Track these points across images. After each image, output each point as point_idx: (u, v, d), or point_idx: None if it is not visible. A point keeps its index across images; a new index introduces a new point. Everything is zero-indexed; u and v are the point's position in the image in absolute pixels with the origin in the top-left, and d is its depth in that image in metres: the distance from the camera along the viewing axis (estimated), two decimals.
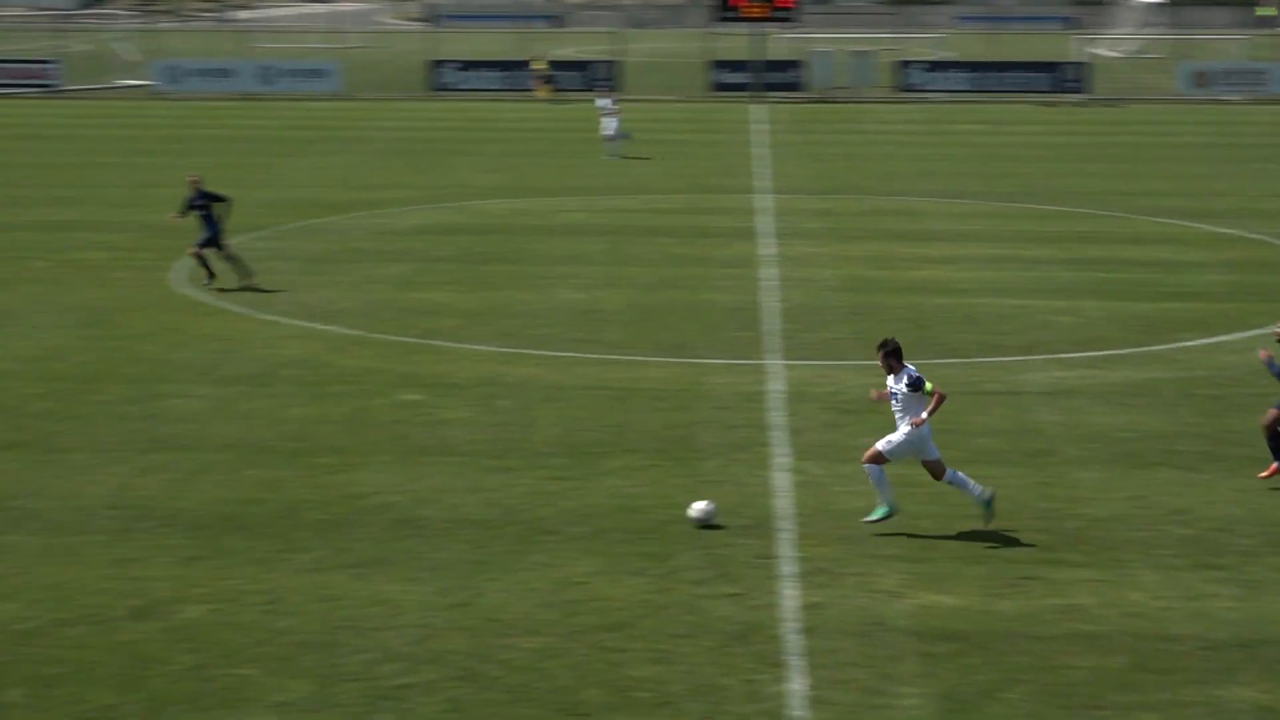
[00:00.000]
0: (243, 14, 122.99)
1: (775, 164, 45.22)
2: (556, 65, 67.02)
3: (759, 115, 58.34)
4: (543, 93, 64.97)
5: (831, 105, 62.70)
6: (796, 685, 13.10)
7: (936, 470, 16.35)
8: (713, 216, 36.26)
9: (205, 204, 27.91)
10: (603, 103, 47.65)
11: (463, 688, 13.03)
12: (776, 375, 22.65)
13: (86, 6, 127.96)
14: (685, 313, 26.59)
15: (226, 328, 25.26)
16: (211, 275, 28.05)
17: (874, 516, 16.42)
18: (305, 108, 61.95)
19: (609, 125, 46.76)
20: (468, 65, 68.67)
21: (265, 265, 30.23)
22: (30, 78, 68.31)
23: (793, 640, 13.91)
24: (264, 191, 39.55)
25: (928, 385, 16.12)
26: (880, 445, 16.34)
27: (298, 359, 23.40)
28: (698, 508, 16.61)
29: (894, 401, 16.26)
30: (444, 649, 13.70)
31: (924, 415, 16.05)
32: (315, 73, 68.22)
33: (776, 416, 20.59)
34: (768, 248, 32.49)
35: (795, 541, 16.18)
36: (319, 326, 25.40)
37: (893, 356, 16.28)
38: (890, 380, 16.26)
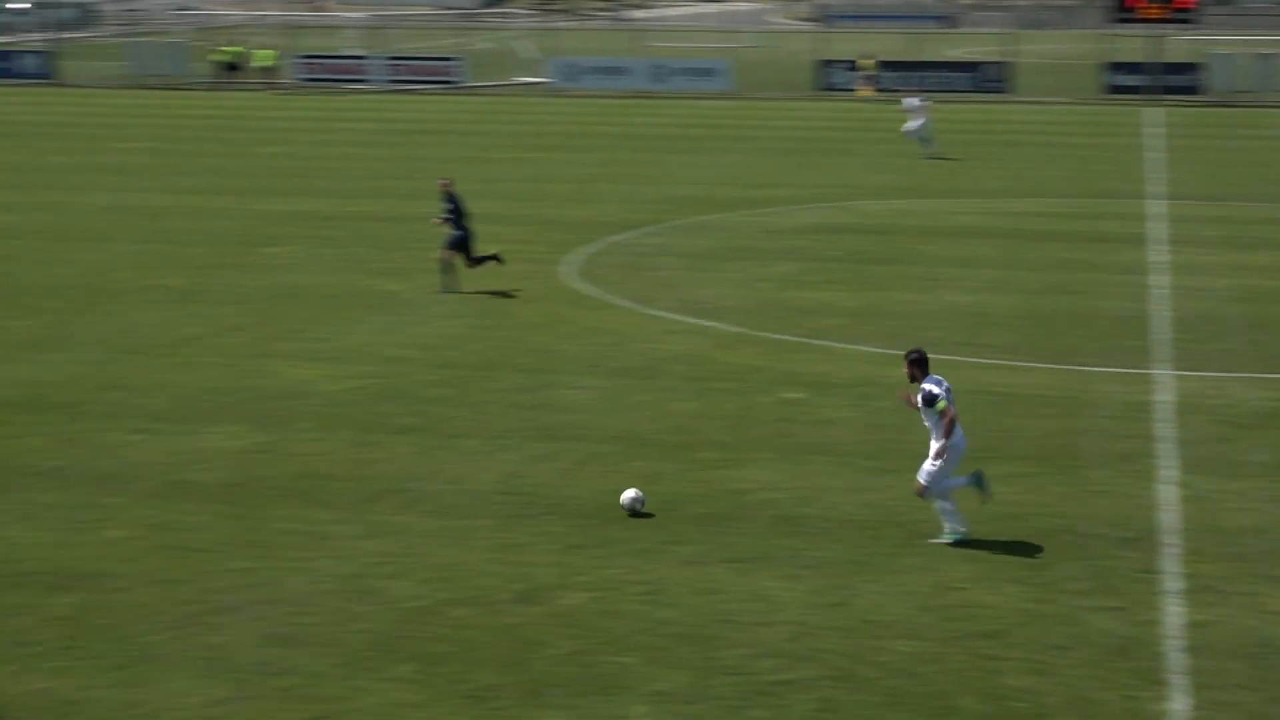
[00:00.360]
0: (637, 14, 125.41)
1: (1170, 169, 43.76)
2: (888, 66, 66.31)
3: (1154, 119, 56.53)
4: (866, 92, 64.57)
5: (1232, 110, 60.30)
6: (1178, 705, 12.69)
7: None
8: (1104, 222, 35.33)
9: (454, 208, 27.66)
10: (910, 102, 47.19)
11: (837, 688, 13.04)
12: (1165, 386, 21.94)
13: (489, 6, 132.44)
14: (1073, 319, 26.00)
15: (614, 321, 25.83)
16: (484, 260, 27.96)
17: (941, 540, 15.88)
18: (696, 106, 62.81)
19: (913, 124, 46.57)
20: (857, 65, 68.48)
21: (652, 261, 30.81)
22: (435, 74, 71.14)
23: (1176, 658, 13.47)
24: (653, 188, 40.30)
25: (939, 404, 15.40)
26: (922, 479, 15.66)
27: (683, 354, 23.77)
28: (627, 496, 16.70)
29: (923, 414, 15.63)
30: (820, 648, 13.74)
31: (937, 446, 15.44)
32: (706, 72, 69.09)
33: (1164, 428, 19.96)
34: (1159, 255, 31.48)
35: (1181, 557, 15.67)
36: (704, 323, 25.75)
37: (915, 366, 15.64)
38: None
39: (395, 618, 14.30)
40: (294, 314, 26.22)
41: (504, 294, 27.90)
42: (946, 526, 15.98)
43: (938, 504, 15.91)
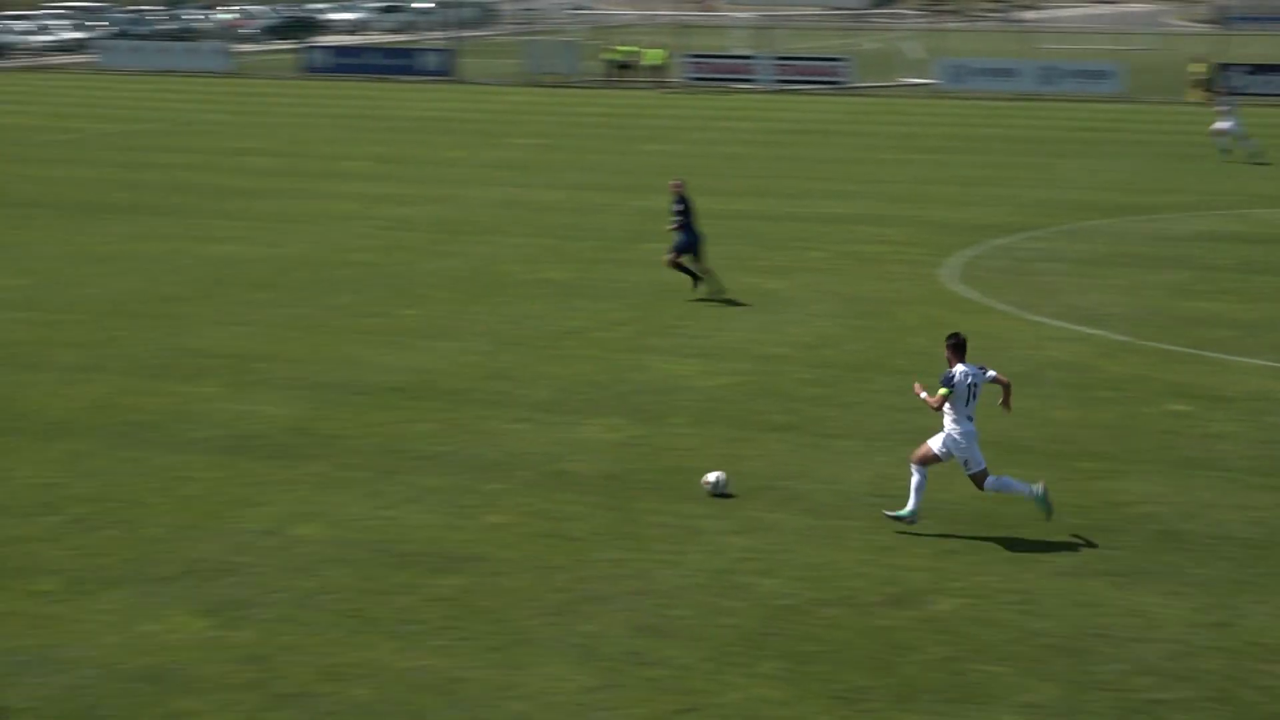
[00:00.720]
0: (1028, 15, 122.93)
1: None
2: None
3: None
4: (1198, 96, 61.66)
5: None
6: None
7: (978, 480, 16.08)
8: None
9: (684, 210, 26.94)
10: (1223, 104, 45.91)
11: (1217, 711, 12.50)
12: None
13: (877, 6, 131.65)
14: None
15: (994, 325, 25.37)
16: (697, 280, 27.27)
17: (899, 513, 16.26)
18: (1086, 109, 61.24)
19: (1223, 125, 45.26)
20: (1257, 69, 65.69)
21: (1035, 266, 30.15)
22: (822, 74, 71.22)
23: None
24: (1038, 191, 39.45)
25: (942, 389, 15.80)
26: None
27: (1064, 361, 23.18)
28: (709, 479, 17.20)
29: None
30: (1200, 668, 13.20)
31: (925, 396, 16.00)
32: (1097, 74, 67.32)
33: None
34: None
35: None
36: (1087, 330, 25.06)
37: (952, 350, 15.99)
38: None
39: (763, 614, 14.33)
40: (672, 310, 26.57)
41: (883, 295, 27.71)
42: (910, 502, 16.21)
43: (915, 479, 16.15)
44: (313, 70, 77.37)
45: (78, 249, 31.81)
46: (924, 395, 16.16)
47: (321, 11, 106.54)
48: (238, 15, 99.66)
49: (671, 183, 27.63)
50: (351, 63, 77.71)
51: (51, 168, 43.59)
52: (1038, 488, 16.21)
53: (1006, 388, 16.40)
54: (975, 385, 15.90)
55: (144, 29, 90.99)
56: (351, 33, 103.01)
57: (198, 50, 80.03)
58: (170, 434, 19.79)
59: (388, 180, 41.98)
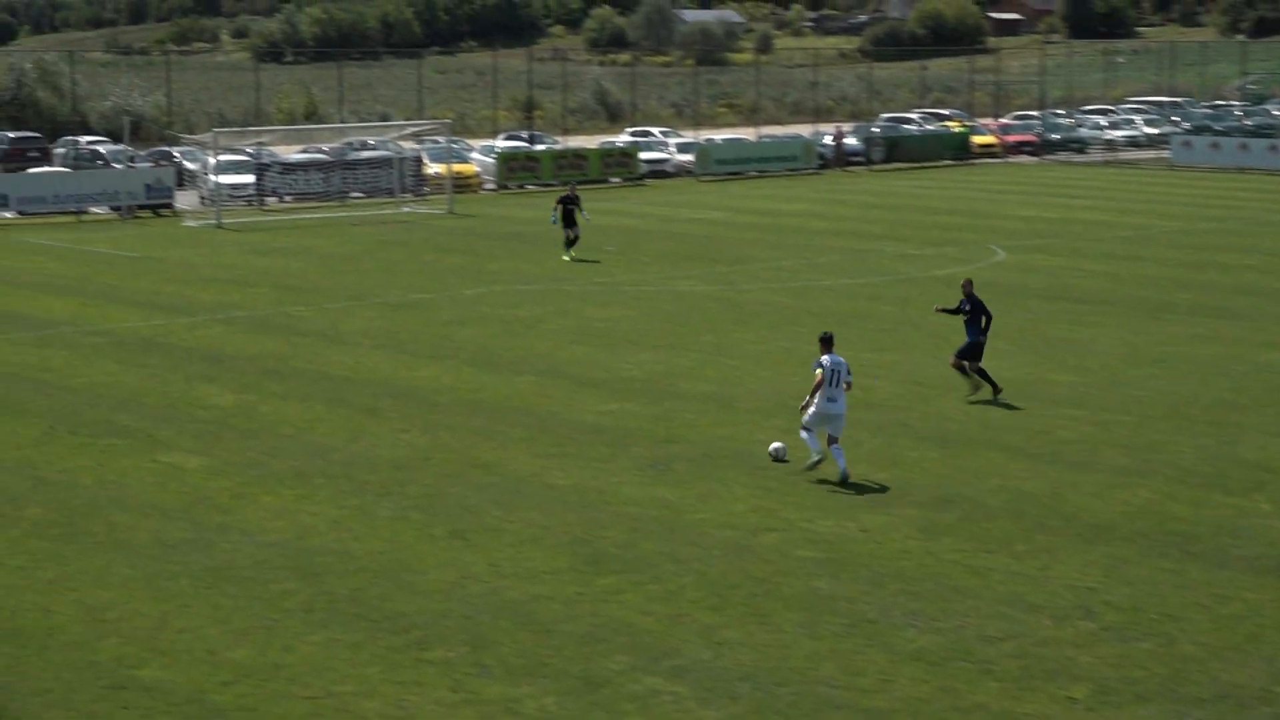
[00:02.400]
0: None
1: None
2: None
3: None
4: None
5: None
6: None
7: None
8: None
9: (972, 309, 27.52)
10: None
11: None
12: None
13: None
14: None
15: None
16: (976, 387, 27.62)
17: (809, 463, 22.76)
18: None
19: None
20: None
21: None
22: None
23: None
24: None
25: (816, 370, 22.63)
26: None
27: None
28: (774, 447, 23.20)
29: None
30: None
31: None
32: None
33: None
34: None
35: None
36: None
37: (822, 343, 22.87)
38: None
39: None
40: None
41: None
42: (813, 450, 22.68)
43: (802, 433, 22.73)
44: None
45: (1133, 348, 32.30)
46: (813, 384, 22.68)
47: None
48: None
49: (963, 283, 28.40)
50: None
51: (1116, 264, 44.58)
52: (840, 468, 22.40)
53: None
54: (837, 372, 22.55)
55: (1222, 124, 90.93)
56: None
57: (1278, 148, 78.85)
58: (1214, 547, 19.63)
59: None
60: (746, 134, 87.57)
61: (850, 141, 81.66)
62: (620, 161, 72.52)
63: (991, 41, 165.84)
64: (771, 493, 22.13)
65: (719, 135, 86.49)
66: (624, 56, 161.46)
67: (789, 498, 21.90)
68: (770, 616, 17.49)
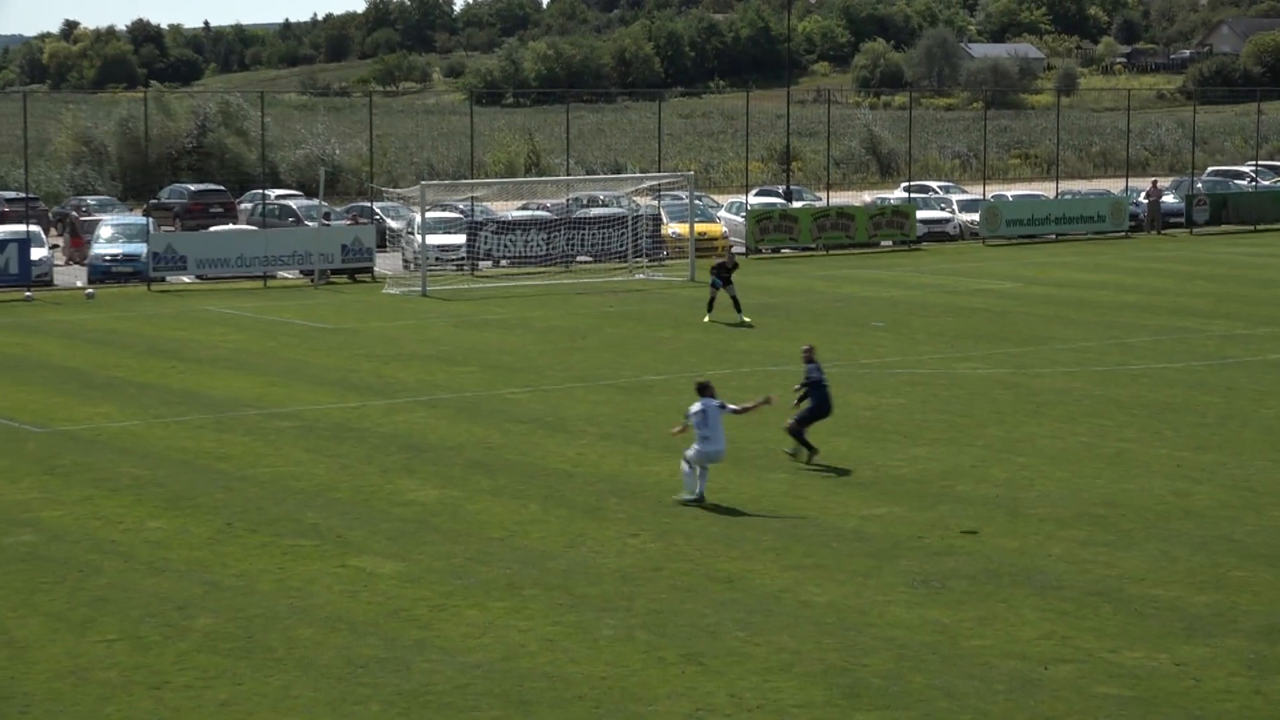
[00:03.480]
0: None
1: None
2: None
3: None
4: None
5: None
6: None
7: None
8: None
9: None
10: None
11: None
12: None
13: None
14: None
15: None
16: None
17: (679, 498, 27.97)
18: None
19: None
20: None
21: None
22: None
23: None
24: None
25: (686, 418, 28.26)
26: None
27: None
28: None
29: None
30: None
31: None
32: None
33: None
34: None
35: None
36: None
37: (699, 390, 28.41)
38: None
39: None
40: None
41: None
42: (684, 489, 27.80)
43: (683, 465, 28.00)
44: None
45: None
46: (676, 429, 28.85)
47: None
48: None
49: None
50: None
51: None
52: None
53: (749, 409, 28.74)
54: (707, 414, 27.71)
55: None
56: None
57: None
58: None
59: None
60: (1044, 190, 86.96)
61: (1169, 200, 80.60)
62: (893, 221, 72.54)
63: None
64: (1066, 616, 21.82)
65: (1011, 191, 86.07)
66: (899, 98, 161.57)
67: (1086, 623, 21.57)
68: None
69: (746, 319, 48.60)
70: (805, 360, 31.44)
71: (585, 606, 22.46)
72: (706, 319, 48.88)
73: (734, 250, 54.60)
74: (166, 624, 21.75)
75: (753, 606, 22.38)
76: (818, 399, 30.96)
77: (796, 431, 30.96)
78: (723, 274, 49.37)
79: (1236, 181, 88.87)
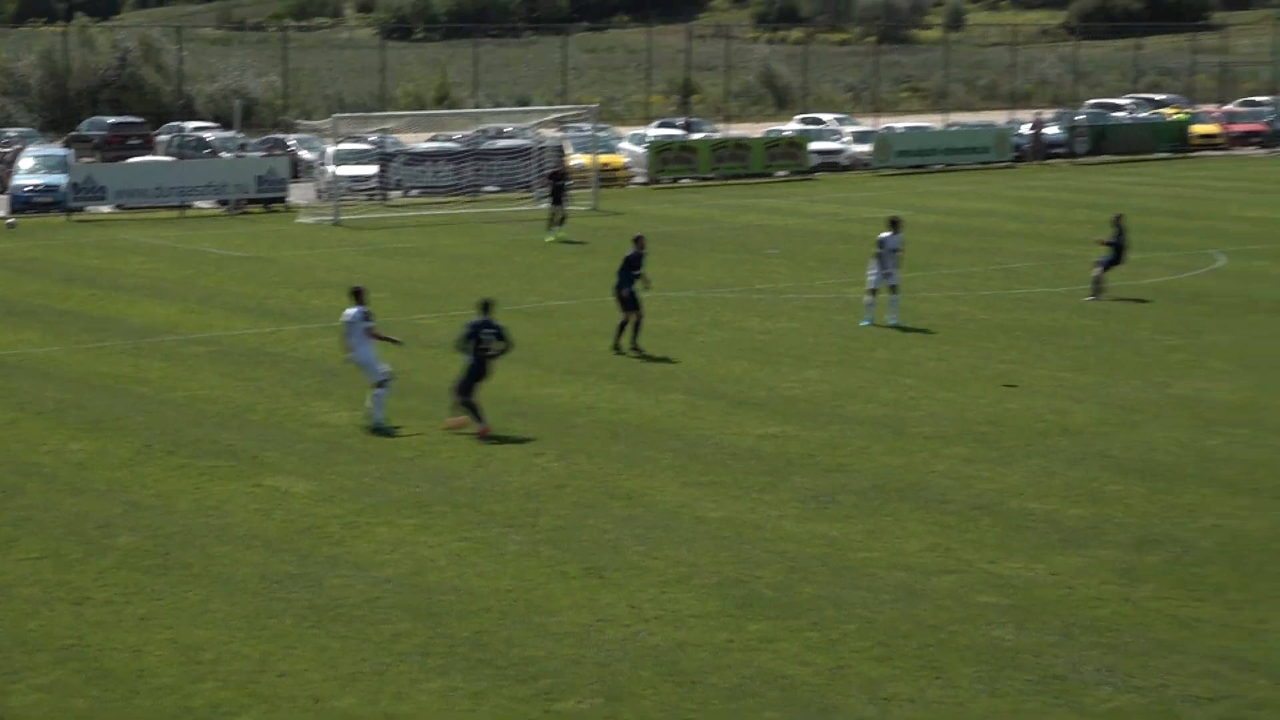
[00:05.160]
0: None
1: None
2: None
3: None
4: None
5: None
6: None
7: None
8: None
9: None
10: None
11: None
12: None
13: None
14: None
15: None
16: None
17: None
18: None
19: None
20: None
21: None
22: None
23: None
24: None
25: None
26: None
27: None
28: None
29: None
30: None
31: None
32: None
33: None
34: None
35: None
36: None
37: (351, 295, 27.87)
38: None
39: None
40: None
41: None
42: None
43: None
44: None
45: None
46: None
47: None
48: None
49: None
50: None
51: None
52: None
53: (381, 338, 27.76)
54: (354, 325, 27.29)
55: None
56: None
57: None
58: None
59: None
60: (932, 122, 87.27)
61: (1051, 131, 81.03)
62: (788, 152, 72.60)
63: (1218, 16, 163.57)
64: (949, 530, 22.06)
65: (901, 123, 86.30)
66: (795, 34, 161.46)
67: (968, 535, 21.83)
68: (944, 670, 17.44)
69: (550, 239, 50.55)
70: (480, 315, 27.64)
71: (491, 523, 22.53)
72: (551, 237, 50.80)
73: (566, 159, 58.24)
74: (87, 542, 21.68)
75: (652, 522, 22.50)
76: (476, 360, 27.32)
77: (465, 403, 27.23)
78: (558, 183, 51.58)
79: (1115, 114, 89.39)
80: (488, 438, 26.75)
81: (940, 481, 24.30)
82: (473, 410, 27.14)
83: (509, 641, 18.25)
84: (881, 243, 36.45)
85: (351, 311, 27.45)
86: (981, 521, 22.43)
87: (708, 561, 20.86)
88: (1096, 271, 39.94)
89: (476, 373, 27.19)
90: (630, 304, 33.71)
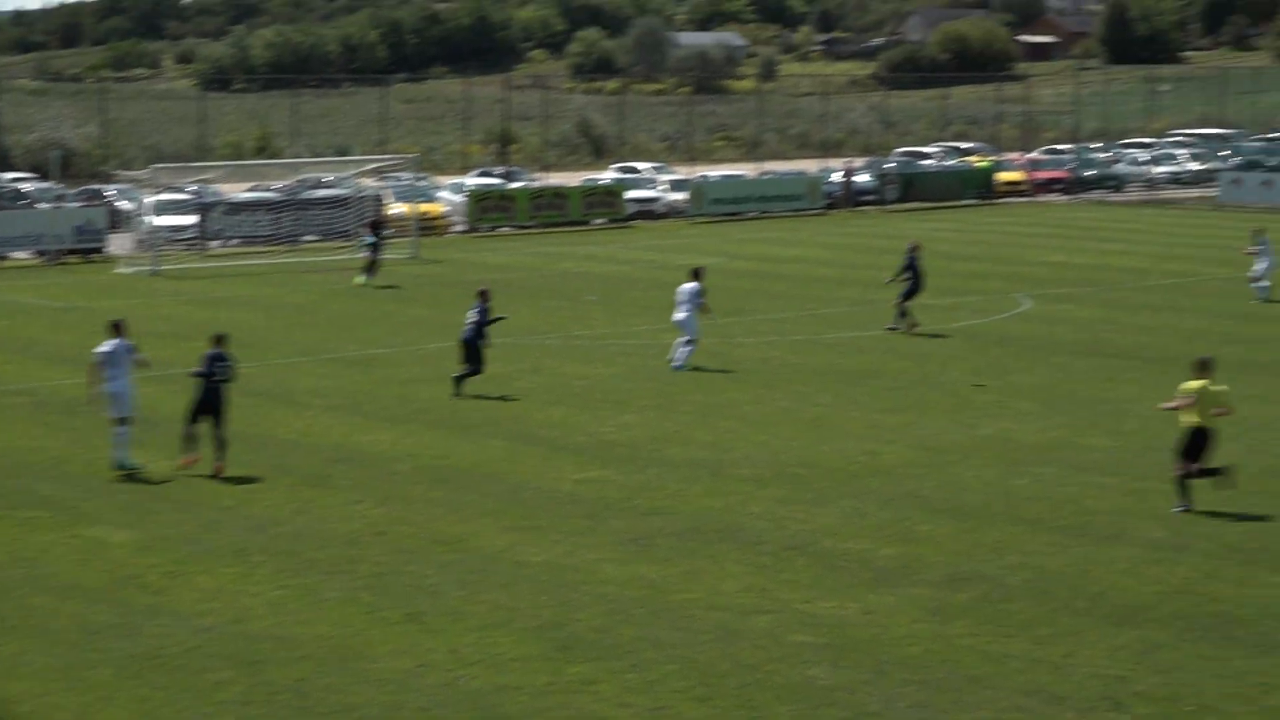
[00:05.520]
0: None
1: None
2: None
3: None
4: None
5: None
6: None
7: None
8: None
9: None
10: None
11: None
12: None
13: None
14: None
15: None
16: None
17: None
18: None
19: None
20: None
21: None
22: None
23: None
24: None
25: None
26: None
27: None
28: None
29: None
30: None
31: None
32: None
33: None
34: None
35: None
36: None
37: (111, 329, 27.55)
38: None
39: None
40: None
41: None
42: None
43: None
44: None
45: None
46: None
47: None
48: None
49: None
50: None
51: (1155, 315, 44.78)
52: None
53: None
54: (116, 355, 27.16)
55: (1277, 160, 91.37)
56: None
57: None
58: (1259, 631, 19.74)
59: None
60: (746, 170, 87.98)
61: (861, 179, 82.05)
62: (605, 201, 72.88)
63: (1021, 68, 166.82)
64: (765, 570, 22.20)
65: (715, 172, 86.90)
66: (611, 84, 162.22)
67: (784, 575, 21.98)
68: (762, 709, 17.53)
69: (359, 281, 51.26)
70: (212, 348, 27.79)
71: (312, 570, 22.32)
72: (361, 280, 51.31)
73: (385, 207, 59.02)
74: None
75: (472, 567, 22.42)
76: (206, 391, 27.39)
77: (189, 433, 27.50)
78: (376, 235, 52.49)
79: (923, 162, 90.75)
80: (221, 475, 27.02)
81: (756, 523, 24.46)
82: (191, 440, 27.40)
83: (330, 688, 18.08)
84: (681, 293, 36.92)
85: (112, 343, 27.35)
86: (797, 562, 22.61)
87: (528, 605, 20.82)
88: (898, 302, 41.53)
89: (205, 403, 27.37)
90: (472, 356, 33.73)
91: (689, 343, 36.81)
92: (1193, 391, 24.85)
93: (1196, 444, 24.83)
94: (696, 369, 36.49)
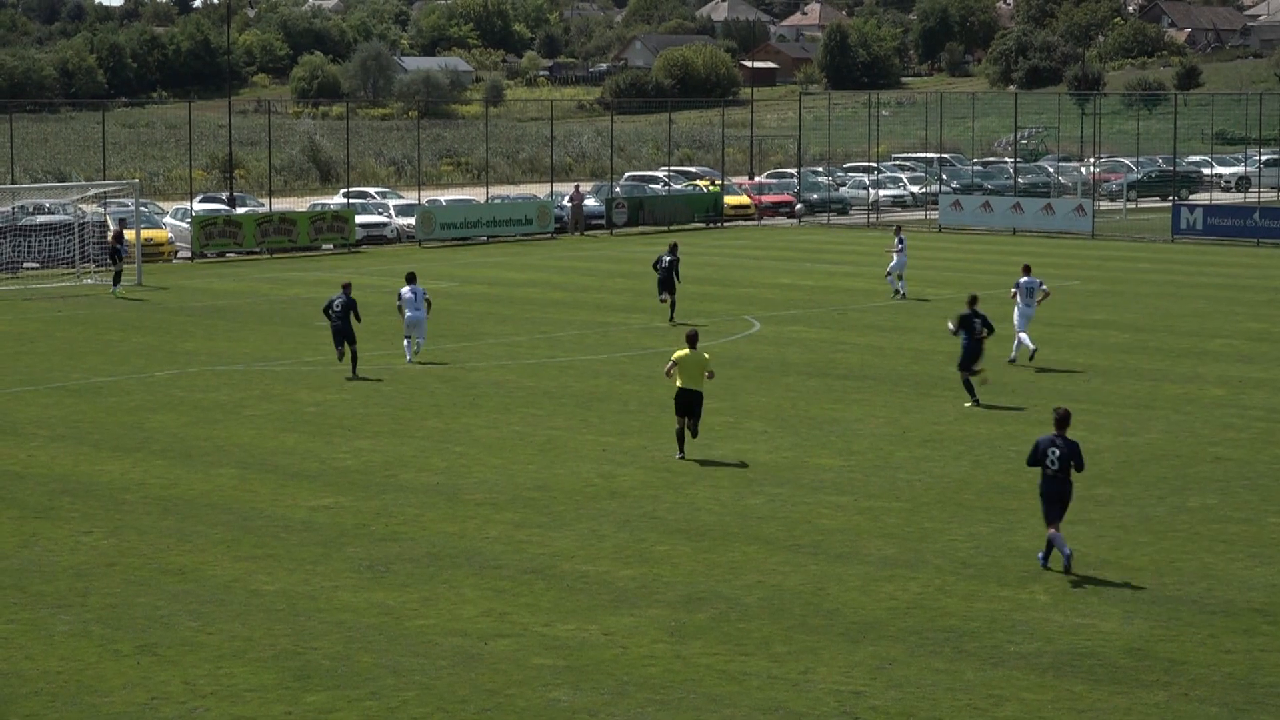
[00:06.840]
0: None
1: None
2: None
3: None
4: None
5: None
6: None
7: None
8: None
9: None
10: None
11: None
12: None
13: None
14: None
15: None
16: None
17: None
18: None
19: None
20: None
21: None
22: None
23: None
24: None
25: None
26: None
27: None
28: None
29: None
30: None
31: None
32: None
33: None
34: None
35: None
36: None
37: None
38: None
39: None
40: None
41: None
42: None
43: None
44: (1182, 232, 77.17)
45: (902, 428, 33.08)
46: None
47: (1202, 166, 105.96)
48: (1098, 170, 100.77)
49: None
50: (1228, 224, 76.79)
51: (881, 336, 45.64)
52: None
53: None
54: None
55: (994, 183, 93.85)
56: (1231, 189, 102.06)
57: (1055, 208, 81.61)
58: (990, 645, 20.16)
59: (1262, 362, 41.11)
60: (475, 195, 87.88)
61: (590, 203, 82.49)
62: (333, 226, 72.25)
63: (745, 93, 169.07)
64: (504, 594, 22.17)
65: (444, 196, 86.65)
66: (337, 108, 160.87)
67: (523, 599, 21.97)
68: None
69: (117, 292, 54.52)
70: None
71: (39, 604, 21.76)
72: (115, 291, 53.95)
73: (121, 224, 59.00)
74: None
75: (205, 597, 22.05)
76: None
77: None
78: (115, 249, 55.26)
79: (651, 186, 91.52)
80: None
81: (494, 547, 24.42)
82: None
83: None
84: (407, 294, 40.81)
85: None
86: (536, 585, 22.61)
87: (263, 635, 20.53)
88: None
89: None
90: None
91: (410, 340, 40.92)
92: (682, 359, 29.77)
93: (688, 403, 29.89)
94: (429, 391, 36.34)
